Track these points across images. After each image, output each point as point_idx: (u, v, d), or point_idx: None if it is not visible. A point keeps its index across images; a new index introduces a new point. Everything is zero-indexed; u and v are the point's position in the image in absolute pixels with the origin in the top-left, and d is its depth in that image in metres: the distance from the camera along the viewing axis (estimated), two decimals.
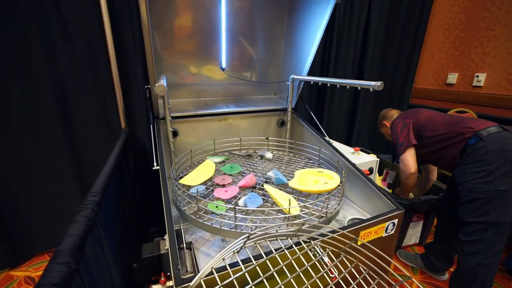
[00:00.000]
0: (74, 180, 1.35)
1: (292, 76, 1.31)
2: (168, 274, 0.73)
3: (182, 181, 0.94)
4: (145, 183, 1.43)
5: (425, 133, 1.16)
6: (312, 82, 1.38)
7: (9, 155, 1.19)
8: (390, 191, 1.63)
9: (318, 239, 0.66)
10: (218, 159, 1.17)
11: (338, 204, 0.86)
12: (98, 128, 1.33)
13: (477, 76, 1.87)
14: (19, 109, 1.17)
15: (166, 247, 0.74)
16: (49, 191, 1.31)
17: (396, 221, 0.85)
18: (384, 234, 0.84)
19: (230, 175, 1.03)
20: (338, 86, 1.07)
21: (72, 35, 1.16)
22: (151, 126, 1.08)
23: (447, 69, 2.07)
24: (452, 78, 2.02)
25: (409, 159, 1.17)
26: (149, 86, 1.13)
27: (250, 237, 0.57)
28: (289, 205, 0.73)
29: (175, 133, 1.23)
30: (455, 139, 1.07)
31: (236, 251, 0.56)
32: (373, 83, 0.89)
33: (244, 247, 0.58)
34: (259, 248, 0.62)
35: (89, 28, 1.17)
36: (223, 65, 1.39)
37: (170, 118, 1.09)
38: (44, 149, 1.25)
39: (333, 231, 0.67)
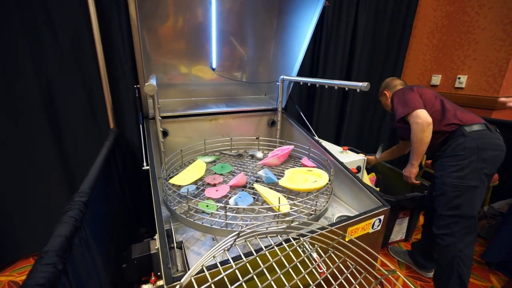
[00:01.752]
0: (61, 182, 1.32)
1: (281, 77, 1.33)
2: (159, 273, 0.72)
3: (172, 180, 0.94)
4: (135, 184, 1.41)
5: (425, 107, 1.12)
6: (301, 83, 1.40)
7: None
8: (377, 189, 1.68)
9: (307, 235, 0.68)
10: (209, 158, 1.18)
11: (327, 202, 0.88)
12: (86, 128, 1.30)
13: (459, 78, 1.95)
14: (5, 109, 1.13)
15: (156, 247, 0.73)
16: (35, 192, 1.27)
17: (382, 217, 0.88)
18: (371, 230, 0.87)
19: (221, 174, 1.04)
20: (326, 86, 1.09)
21: (59, 34, 1.14)
22: (141, 125, 1.07)
23: (431, 71, 2.15)
24: (436, 79, 2.10)
25: (423, 112, 1.07)
26: (138, 85, 1.12)
27: (240, 235, 0.58)
28: (279, 203, 0.75)
29: (165, 133, 1.22)
30: (442, 126, 1.09)
31: (226, 248, 0.57)
32: (360, 84, 0.92)
33: (235, 245, 0.58)
34: (249, 245, 0.63)
35: (76, 28, 1.15)
36: (214, 65, 1.40)
37: (160, 118, 1.09)
38: (30, 150, 1.21)
39: (322, 228, 0.68)
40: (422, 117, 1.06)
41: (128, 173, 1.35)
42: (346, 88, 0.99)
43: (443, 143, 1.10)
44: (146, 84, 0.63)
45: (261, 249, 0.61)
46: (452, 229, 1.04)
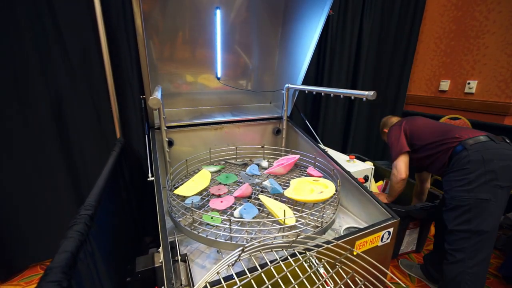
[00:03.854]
0: (69, 191, 1.34)
1: (286, 85, 1.33)
2: (163, 287, 0.72)
3: (177, 191, 0.94)
4: (141, 193, 1.42)
5: (417, 141, 1.20)
6: (306, 91, 1.39)
7: (3, 165, 1.18)
8: None
9: (313, 250, 0.66)
10: (213, 168, 1.17)
11: (334, 213, 0.86)
12: (93, 137, 1.33)
13: (469, 83, 1.91)
14: (15, 120, 1.16)
15: (160, 260, 0.73)
16: (43, 201, 1.29)
17: (391, 230, 0.85)
18: (380, 243, 0.84)
19: (226, 184, 1.03)
20: (332, 95, 1.08)
21: (67, 46, 1.17)
22: (146, 136, 1.08)
23: (439, 76, 2.11)
24: (445, 85, 2.06)
25: (401, 165, 1.21)
26: (144, 96, 1.13)
27: (245, 250, 0.57)
28: (284, 216, 0.73)
29: (170, 143, 1.23)
30: (442, 147, 1.10)
31: (230, 264, 0.56)
32: (366, 92, 0.91)
33: (239, 260, 0.57)
34: (254, 260, 0.61)
35: (84, 39, 1.18)
36: (219, 75, 1.41)
37: (165, 128, 1.09)
38: (39, 160, 1.24)
39: (328, 242, 0.66)
40: (399, 171, 1.21)
41: (135, 182, 1.36)
42: (352, 97, 0.98)
43: (449, 160, 1.09)
44: (150, 97, 0.64)
45: (266, 264, 0.60)
46: (462, 245, 1.00)
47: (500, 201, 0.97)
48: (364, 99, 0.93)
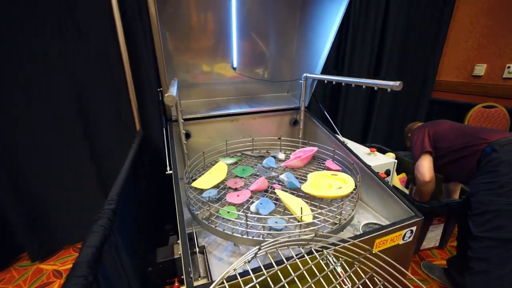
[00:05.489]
0: (95, 178, 1.42)
1: (305, 75, 1.27)
2: (182, 277, 0.75)
3: (194, 184, 0.95)
4: (161, 182, 1.47)
5: (440, 144, 1.13)
6: (325, 81, 1.33)
7: (40, 157, 1.27)
8: (407, 191, 1.57)
9: (331, 248, 0.65)
10: (230, 160, 1.18)
11: (353, 210, 0.83)
12: (115, 129, 1.38)
13: (509, 67, 1.73)
14: (43, 114, 1.23)
15: (179, 252, 0.75)
16: (73, 188, 1.38)
17: (414, 228, 0.81)
18: (401, 242, 0.81)
19: (242, 177, 1.03)
20: (353, 85, 1.02)
21: (86, 40, 1.19)
22: (164, 130, 1.10)
23: (473, 60, 1.93)
24: (480, 69, 1.88)
25: (424, 166, 1.12)
26: (161, 89, 1.14)
27: (261, 248, 0.57)
28: (301, 213, 0.72)
29: (187, 135, 1.24)
30: (468, 150, 1.03)
31: (247, 261, 0.56)
32: (391, 83, 0.85)
33: (256, 257, 0.58)
34: (270, 257, 0.61)
35: (103, 33, 1.20)
36: (235, 65, 1.38)
37: (182, 121, 1.10)
38: (67, 150, 1.32)
39: (346, 241, 0.65)
40: (421, 173, 1.12)
41: (155, 172, 1.41)
42: (375, 88, 0.92)
43: (477, 164, 1.00)
44: (166, 94, 0.64)
45: (282, 261, 0.59)
46: (488, 253, 0.92)
47: None
48: (389, 90, 0.87)
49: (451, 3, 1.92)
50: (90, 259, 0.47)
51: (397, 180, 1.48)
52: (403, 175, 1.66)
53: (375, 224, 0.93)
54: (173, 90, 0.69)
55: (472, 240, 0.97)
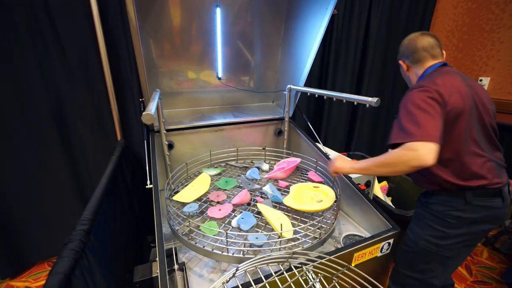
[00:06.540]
0: (72, 190, 1.36)
1: (289, 86, 1.29)
2: None
3: (176, 197, 0.94)
4: (143, 193, 1.43)
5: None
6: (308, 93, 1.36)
7: (9, 166, 1.20)
8: (389, 199, 1.62)
9: (310, 264, 0.66)
10: (214, 171, 1.17)
11: (333, 223, 0.85)
12: (95, 138, 1.33)
13: (481, 80, 1.83)
14: (19, 123, 1.17)
15: (157, 270, 0.73)
16: (48, 199, 1.31)
17: (391, 241, 0.84)
18: (379, 254, 0.83)
19: (225, 190, 1.03)
20: (334, 99, 1.05)
21: (66, 49, 1.15)
22: (145, 142, 1.07)
23: None
24: None
25: (430, 151, 0.66)
26: (143, 99, 1.12)
27: (239, 268, 0.57)
28: (281, 229, 0.72)
29: (170, 146, 1.22)
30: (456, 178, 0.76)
31: (225, 281, 0.56)
32: (370, 99, 0.88)
33: (234, 277, 0.57)
34: (249, 277, 0.61)
35: (83, 41, 1.16)
36: (219, 74, 1.38)
37: (165, 132, 1.09)
38: (43, 160, 1.25)
39: (323, 257, 0.66)
40: (422, 155, 0.66)
41: (137, 183, 1.37)
42: (355, 103, 0.95)
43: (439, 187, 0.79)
44: (144, 113, 0.63)
45: (261, 279, 0.59)
46: None
47: (461, 258, 0.85)
48: (368, 105, 0.90)
49: (428, 18, 2.02)
50: (57, 286, 0.45)
51: (378, 188, 1.52)
52: (384, 183, 1.70)
53: (355, 235, 0.95)
54: (152, 107, 0.68)
55: (395, 273, 0.91)
